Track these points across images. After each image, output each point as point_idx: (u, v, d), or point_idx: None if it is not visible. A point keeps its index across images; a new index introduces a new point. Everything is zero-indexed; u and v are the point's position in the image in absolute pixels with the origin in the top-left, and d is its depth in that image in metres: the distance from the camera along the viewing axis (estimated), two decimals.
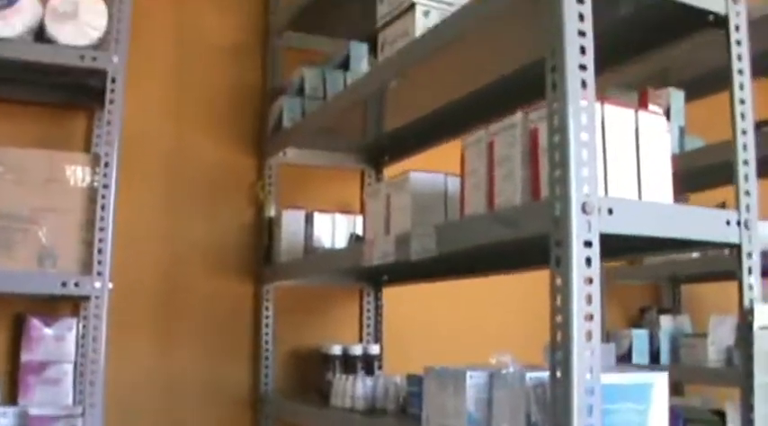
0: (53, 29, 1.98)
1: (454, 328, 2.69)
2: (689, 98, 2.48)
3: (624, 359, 2.71)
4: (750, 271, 1.45)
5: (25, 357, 2.11)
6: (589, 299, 1.22)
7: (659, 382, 1.42)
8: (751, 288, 1.45)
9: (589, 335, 1.21)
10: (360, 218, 2.35)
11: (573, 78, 1.27)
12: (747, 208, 1.47)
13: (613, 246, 1.29)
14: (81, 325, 2.16)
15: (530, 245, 1.39)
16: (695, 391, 2.93)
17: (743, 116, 1.50)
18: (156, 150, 2.49)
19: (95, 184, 1.98)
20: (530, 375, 1.39)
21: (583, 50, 1.28)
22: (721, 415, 2.44)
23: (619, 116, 1.38)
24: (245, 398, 2.50)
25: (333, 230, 2.41)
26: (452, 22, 1.64)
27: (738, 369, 1.46)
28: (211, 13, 2.63)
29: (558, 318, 1.23)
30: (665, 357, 2.79)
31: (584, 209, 1.24)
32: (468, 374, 1.48)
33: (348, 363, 2.35)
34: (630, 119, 1.39)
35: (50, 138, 2.29)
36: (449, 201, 1.80)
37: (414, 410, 1.79)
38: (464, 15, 1.61)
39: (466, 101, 2.04)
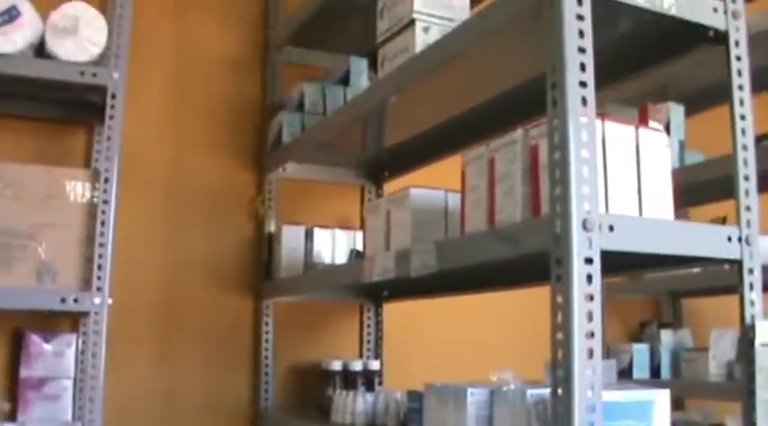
0: (53, 44, 1.99)
1: (454, 344, 2.68)
2: (689, 112, 2.48)
3: (625, 374, 2.70)
4: (751, 287, 1.44)
5: (24, 373, 2.10)
6: (590, 316, 1.22)
7: (660, 399, 1.41)
8: (752, 303, 1.44)
9: (590, 353, 1.21)
10: (360, 234, 2.35)
11: (573, 95, 1.27)
12: (748, 223, 1.46)
13: (614, 263, 1.28)
14: (80, 341, 2.15)
15: (530, 262, 1.39)
16: (696, 405, 2.91)
17: (743, 131, 1.50)
18: (155, 166, 2.49)
19: (95, 200, 1.99)
20: (530, 392, 1.39)
21: (583, 67, 1.28)
22: None
23: (619, 133, 1.38)
24: (244, 414, 2.49)
25: (333, 246, 2.41)
26: (453, 38, 1.65)
27: (739, 384, 1.45)
28: (211, 29, 2.64)
29: (559, 335, 1.23)
30: (665, 371, 2.78)
31: (584, 226, 1.24)
32: (470, 391, 1.47)
33: (348, 379, 2.34)
34: (631, 136, 1.39)
35: (50, 154, 2.29)
36: (449, 217, 1.80)
37: None
38: (464, 31, 1.61)
39: (466, 117, 2.04)
